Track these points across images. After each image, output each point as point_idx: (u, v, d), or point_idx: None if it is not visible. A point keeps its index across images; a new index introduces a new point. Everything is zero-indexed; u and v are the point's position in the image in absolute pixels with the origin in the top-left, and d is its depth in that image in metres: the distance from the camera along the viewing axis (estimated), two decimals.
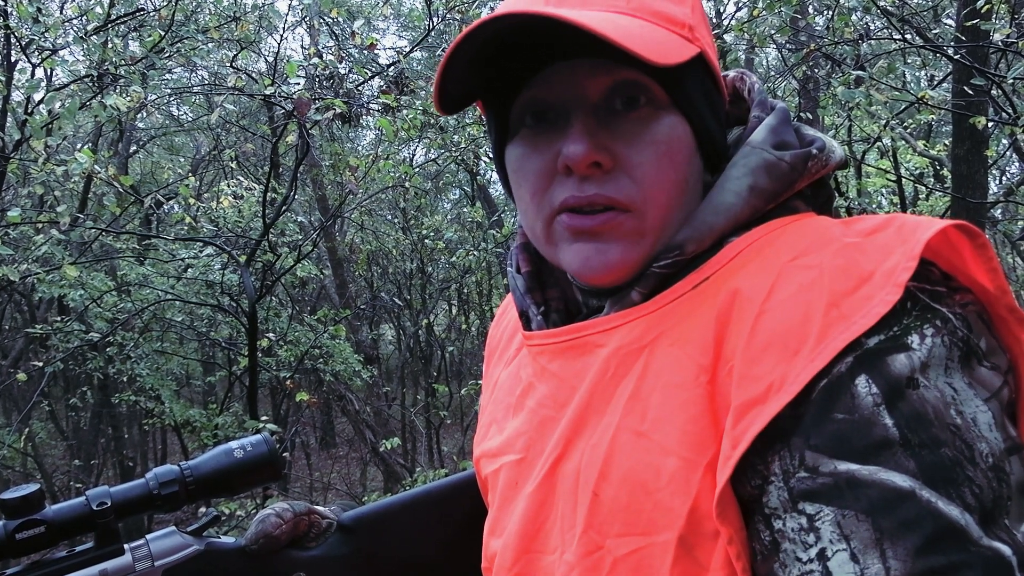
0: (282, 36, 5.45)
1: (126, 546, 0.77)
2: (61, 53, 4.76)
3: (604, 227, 0.64)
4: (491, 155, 0.76)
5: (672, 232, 0.66)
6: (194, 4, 5.06)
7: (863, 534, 0.50)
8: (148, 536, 0.80)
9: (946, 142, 6.06)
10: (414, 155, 8.60)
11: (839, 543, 0.51)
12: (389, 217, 9.20)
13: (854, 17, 4.12)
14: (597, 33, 0.57)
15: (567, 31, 0.59)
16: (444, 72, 0.64)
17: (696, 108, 0.66)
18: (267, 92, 4.01)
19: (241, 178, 5.82)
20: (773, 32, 4.42)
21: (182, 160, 10.23)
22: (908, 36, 4.24)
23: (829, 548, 0.51)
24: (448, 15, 4.78)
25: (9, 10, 3.97)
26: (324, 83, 4.57)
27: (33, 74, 5.04)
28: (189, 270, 6.24)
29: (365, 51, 5.66)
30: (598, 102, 0.65)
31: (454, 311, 10.50)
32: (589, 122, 0.64)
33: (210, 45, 5.36)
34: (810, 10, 5.24)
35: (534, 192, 0.68)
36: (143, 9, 4.86)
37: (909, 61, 5.25)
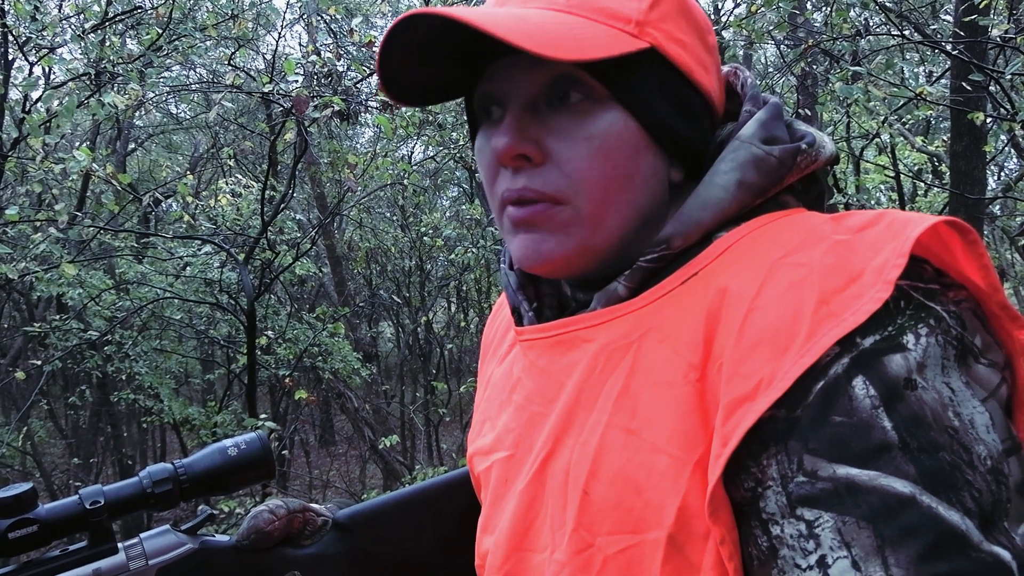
0: (280, 34, 5.43)
1: (120, 545, 0.77)
2: (59, 51, 4.76)
3: (537, 218, 0.65)
4: None
5: (623, 226, 0.66)
6: (192, 2, 5.05)
7: (864, 541, 0.49)
8: (142, 535, 0.80)
9: (944, 138, 6.06)
10: (412, 152, 8.60)
11: (840, 550, 0.50)
12: (388, 215, 9.20)
13: (852, 13, 4.11)
14: (497, 36, 0.57)
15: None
16: (384, 68, 0.65)
17: (644, 103, 0.65)
18: (265, 90, 4.00)
19: (239, 176, 5.81)
20: (771, 28, 4.41)
21: (180, 158, 10.24)
22: (906, 32, 4.24)
23: (829, 555, 0.50)
24: None
25: (7, 8, 3.96)
26: (322, 80, 4.55)
27: (31, 72, 5.04)
28: (187, 268, 6.24)
29: (363, 48, 5.64)
30: (535, 96, 0.66)
31: (453, 308, 10.51)
32: (520, 115, 0.65)
33: (208, 43, 5.35)
34: (808, 6, 5.24)
35: (488, 185, 0.69)
36: (141, 7, 4.86)
37: (907, 57, 5.25)
